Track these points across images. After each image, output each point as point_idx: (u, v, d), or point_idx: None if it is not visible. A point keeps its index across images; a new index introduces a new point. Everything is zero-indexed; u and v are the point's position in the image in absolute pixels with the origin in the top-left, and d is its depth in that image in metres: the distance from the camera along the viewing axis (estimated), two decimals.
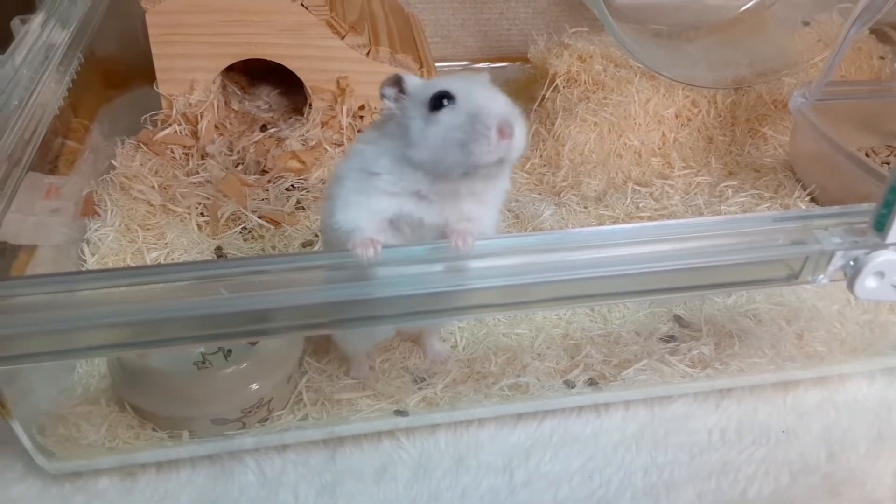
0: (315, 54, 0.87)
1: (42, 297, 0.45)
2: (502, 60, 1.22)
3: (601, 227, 0.51)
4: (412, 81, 0.52)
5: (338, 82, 0.89)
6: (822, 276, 0.50)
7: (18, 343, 0.43)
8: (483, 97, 0.49)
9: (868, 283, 0.49)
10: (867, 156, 0.90)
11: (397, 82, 0.52)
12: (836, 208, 0.51)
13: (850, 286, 0.50)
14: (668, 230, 0.50)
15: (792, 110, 0.86)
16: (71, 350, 0.47)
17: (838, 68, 0.95)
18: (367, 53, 0.88)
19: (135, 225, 0.75)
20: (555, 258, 0.47)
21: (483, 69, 1.11)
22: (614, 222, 0.81)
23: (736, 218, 0.58)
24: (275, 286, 0.47)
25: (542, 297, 0.49)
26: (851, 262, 0.49)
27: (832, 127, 0.81)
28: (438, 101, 0.49)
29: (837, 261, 0.49)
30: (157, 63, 0.86)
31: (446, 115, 0.48)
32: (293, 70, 0.88)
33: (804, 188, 0.86)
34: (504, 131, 0.47)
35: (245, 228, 0.78)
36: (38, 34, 0.72)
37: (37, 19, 0.74)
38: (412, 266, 0.48)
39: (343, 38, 0.87)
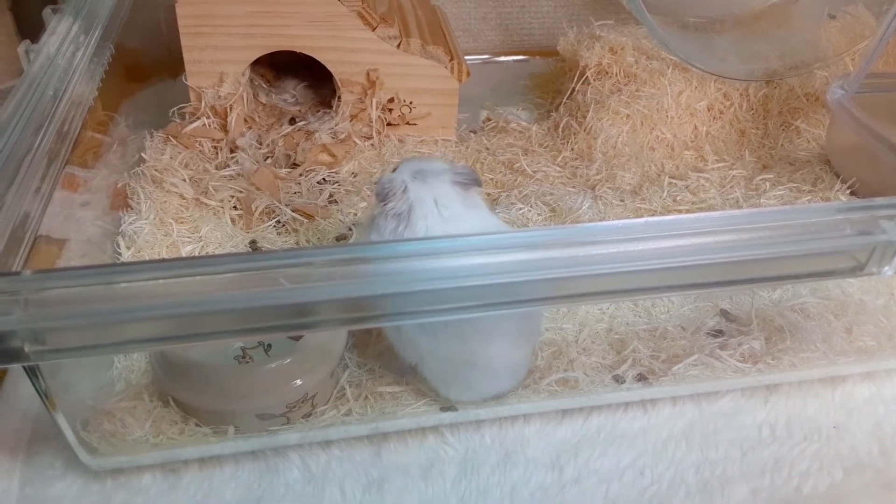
0: (345, 46, 0.86)
1: (94, 288, 0.43)
2: (524, 54, 1.22)
3: (663, 217, 0.50)
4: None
5: (368, 75, 0.88)
6: (887, 267, 0.49)
7: (76, 334, 0.42)
8: None
9: None
10: None
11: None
12: None
13: None
14: (730, 221, 0.49)
15: (830, 102, 0.85)
16: (115, 343, 0.46)
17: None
18: (398, 45, 0.87)
19: (168, 218, 0.74)
20: (613, 249, 0.46)
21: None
22: (652, 215, 0.79)
23: (799, 208, 0.57)
24: (327, 278, 0.45)
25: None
26: None
27: (871, 119, 0.80)
28: None
29: None
30: (186, 55, 0.85)
31: None
32: (323, 62, 0.87)
33: (843, 181, 0.84)
34: None
35: (279, 222, 0.77)
36: (70, 24, 0.71)
37: (68, 9, 0.73)
38: (455, 258, 0.46)
39: (374, 29, 0.86)
